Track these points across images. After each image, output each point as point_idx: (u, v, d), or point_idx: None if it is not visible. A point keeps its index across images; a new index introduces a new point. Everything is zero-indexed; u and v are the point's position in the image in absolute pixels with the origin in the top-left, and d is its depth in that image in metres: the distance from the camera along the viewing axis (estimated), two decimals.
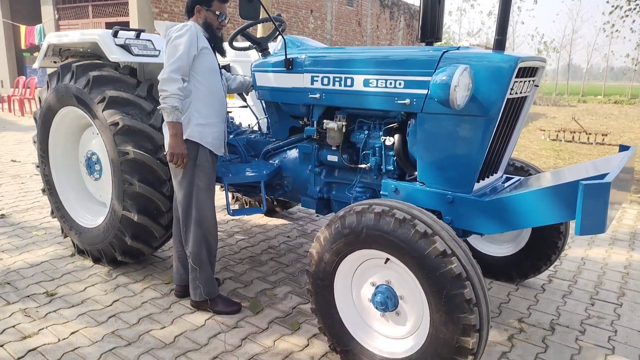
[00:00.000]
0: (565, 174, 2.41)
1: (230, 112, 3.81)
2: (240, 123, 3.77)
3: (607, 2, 34.36)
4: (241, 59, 3.91)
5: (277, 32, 3.29)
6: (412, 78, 2.36)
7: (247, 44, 3.36)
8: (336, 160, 2.79)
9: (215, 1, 2.67)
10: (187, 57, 2.50)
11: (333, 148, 2.79)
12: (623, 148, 2.51)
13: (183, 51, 2.48)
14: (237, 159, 3.24)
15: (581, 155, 9.45)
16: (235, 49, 3.34)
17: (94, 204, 3.55)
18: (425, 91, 2.30)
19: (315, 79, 2.74)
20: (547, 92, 38.85)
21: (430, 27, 2.74)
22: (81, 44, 3.26)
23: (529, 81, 2.41)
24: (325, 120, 2.76)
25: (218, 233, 3.19)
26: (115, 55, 2.93)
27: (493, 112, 2.17)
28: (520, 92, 2.36)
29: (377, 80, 2.48)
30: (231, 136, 3.46)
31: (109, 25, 12.25)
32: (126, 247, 3.11)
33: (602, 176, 1.90)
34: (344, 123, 2.69)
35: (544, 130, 11.99)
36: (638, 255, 3.94)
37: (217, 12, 2.69)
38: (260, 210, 3.02)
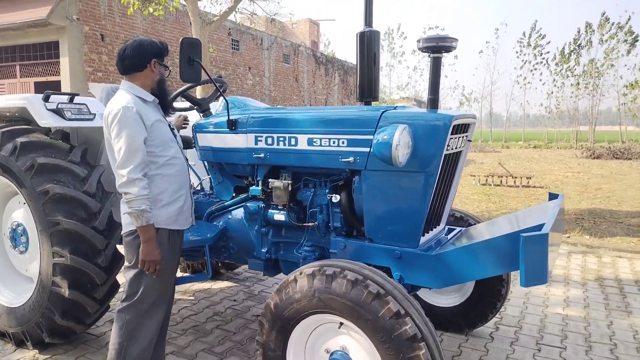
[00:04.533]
0: (504, 225, 2.52)
1: None
2: None
3: (517, 57, 37.50)
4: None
5: (219, 93, 3.31)
6: (354, 137, 2.43)
7: (187, 104, 3.33)
8: (283, 219, 2.76)
9: (164, 54, 2.52)
10: (142, 148, 2.25)
11: (279, 207, 2.76)
12: (553, 196, 2.68)
13: (135, 144, 2.22)
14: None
15: (510, 198, 10.06)
16: (176, 110, 3.30)
17: (19, 280, 3.24)
18: (367, 149, 2.36)
19: (259, 138, 2.74)
20: (473, 139, 41.46)
21: (367, 87, 2.86)
22: (7, 109, 3.08)
23: (463, 137, 2.55)
24: (270, 180, 2.74)
25: None
26: (47, 120, 2.79)
27: (432, 167, 2.26)
28: (456, 148, 2.48)
29: (320, 139, 2.52)
30: None
31: (37, 85, 11.79)
32: (55, 326, 2.83)
33: (539, 227, 2.00)
34: (289, 182, 2.69)
35: (474, 176, 12.74)
36: (573, 294, 4.14)
37: (167, 65, 2.52)
38: (204, 276, 2.88)
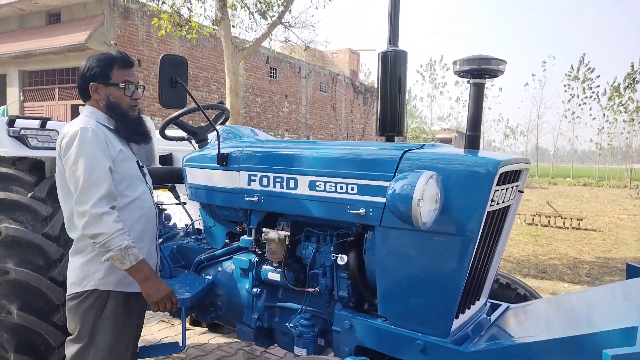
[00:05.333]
0: (571, 311, 1.86)
1: (166, 209, 3.24)
2: (174, 224, 3.18)
3: (565, 91, 36.25)
4: (183, 148, 3.42)
5: (221, 120, 2.85)
6: (366, 182, 1.86)
7: (183, 133, 2.88)
8: (279, 279, 2.20)
9: (115, 70, 1.95)
10: (107, 175, 1.83)
11: (274, 264, 2.21)
12: (633, 270, 1.99)
13: (98, 171, 1.81)
14: (159, 273, 2.61)
15: (559, 241, 9.13)
16: (168, 139, 2.85)
17: None
18: (383, 199, 1.79)
19: (252, 178, 2.22)
20: None
21: (390, 119, 2.31)
22: None
23: (513, 187, 1.94)
24: (265, 229, 2.20)
25: None
26: (6, 148, 2.38)
27: (471, 229, 1.66)
28: (503, 202, 1.87)
29: (325, 183, 1.98)
30: (161, 240, 2.86)
31: (74, 108, 11.92)
32: None
33: (629, 334, 1.34)
34: (287, 233, 2.14)
35: (520, 214, 11.81)
36: None
37: (122, 84, 1.97)
38: (177, 348, 2.33)
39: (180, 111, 2.63)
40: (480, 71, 1.92)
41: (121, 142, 2.00)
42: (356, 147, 2.08)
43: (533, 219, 11.46)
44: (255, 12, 9.75)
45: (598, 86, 35.41)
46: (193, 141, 2.71)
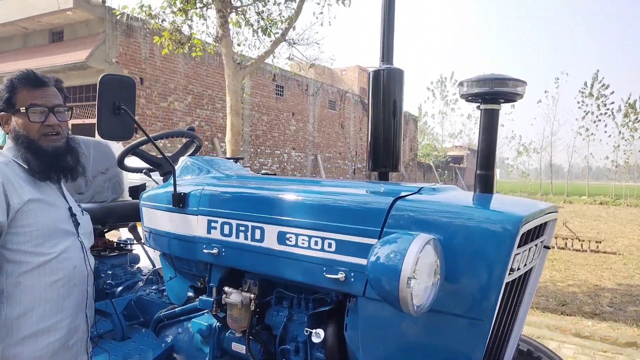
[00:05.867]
0: None
1: (133, 249, 2.84)
2: (138, 268, 2.76)
3: (579, 108, 35.75)
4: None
5: (189, 151, 2.46)
6: (346, 237, 1.44)
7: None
8: (243, 352, 1.77)
9: (19, 93, 1.58)
10: None
11: (238, 333, 1.78)
12: None
13: None
14: (110, 333, 2.20)
15: (577, 266, 8.57)
16: (130, 171, 2.46)
17: None
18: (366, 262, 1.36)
19: (213, 225, 1.81)
20: (532, 192, 38.98)
21: (383, 151, 1.90)
22: None
23: (538, 244, 1.50)
24: (227, 289, 1.78)
25: None
26: None
27: (484, 309, 1.22)
28: (525, 264, 1.43)
29: (296, 235, 1.56)
30: (119, 289, 2.46)
31: (75, 127, 11.69)
32: None
33: None
34: (251, 296, 1.72)
35: None
36: None
37: (23, 110, 1.57)
38: None
39: (140, 140, 2.25)
40: (493, 95, 1.50)
41: (41, 183, 1.60)
42: (338, 189, 1.66)
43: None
44: (258, 29, 9.48)
45: (612, 103, 34.64)
46: (154, 175, 2.31)
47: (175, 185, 1.89)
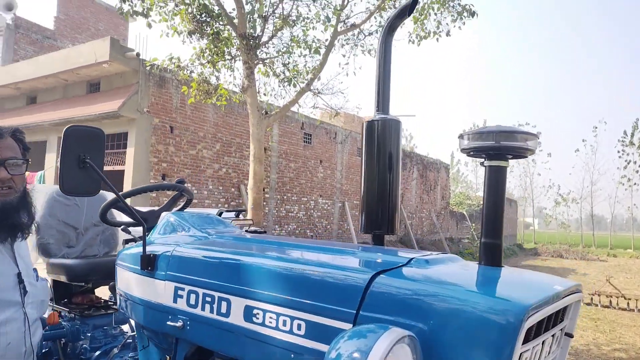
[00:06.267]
0: None
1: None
2: (121, 330, 2.55)
3: (620, 157, 34.50)
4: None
5: (177, 206, 2.30)
6: (317, 319, 1.20)
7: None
8: None
9: None
10: None
11: None
12: None
13: None
14: None
15: (624, 327, 7.80)
16: (112, 225, 2.30)
17: None
18: None
19: (179, 292, 1.59)
20: (573, 243, 37.12)
21: (377, 212, 1.67)
22: None
23: (555, 335, 1.20)
24: None
25: None
26: None
27: None
28: None
29: (264, 311, 1.32)
30: (96, 354, 2.24)
31: (105, 174, 11.94)
32: None
33: None
34: None
35: None
36: None
37: None
38: None
39: (126, 192, 2.10)
40: (499, 150, 1.27)
41: None
42: (320, 256, 1.43)
43: (592, 299, 10.05)
44: (283, 79, 9.59)
45: None
46: (133, 231, 2.14)
47: (144, 245, 1.70)
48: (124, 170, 11.24)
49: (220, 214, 2.87)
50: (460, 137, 1.38)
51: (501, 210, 1.33)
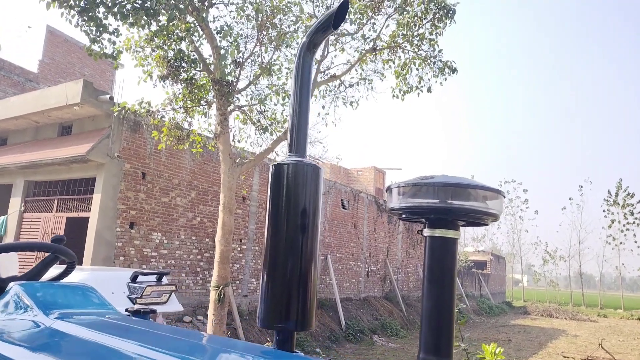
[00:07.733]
0: None
1: None
2: None
3: (605, 216, 34.65)
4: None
5: (54, 272, 1.76)
6: None
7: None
8: None
9: None
10: None
11: None
12: None
13: None
14: None
15: None
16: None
17: None
18: None
19: None
20: (562, 302, 36.26)
21: (284, 298, 1.15)
22: None
23: None
24: None
25: None
26: None
27: None
28: None
29: None
30: None
31: (69, 220, 11.29)
32: None
33: None
34: None
35: (568, 358, 9.73)
36: None
37: None
38: None
39: None
40: (445, 213, 0.79)
41: None
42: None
43: None
44: (259, 127, 9.25)
45: None
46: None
47: None
48: (88, 217, 10.57)
49: (134, 278, 2.33)
50: (388, 190, 0.89)
51: (450, 305, 0.83)
